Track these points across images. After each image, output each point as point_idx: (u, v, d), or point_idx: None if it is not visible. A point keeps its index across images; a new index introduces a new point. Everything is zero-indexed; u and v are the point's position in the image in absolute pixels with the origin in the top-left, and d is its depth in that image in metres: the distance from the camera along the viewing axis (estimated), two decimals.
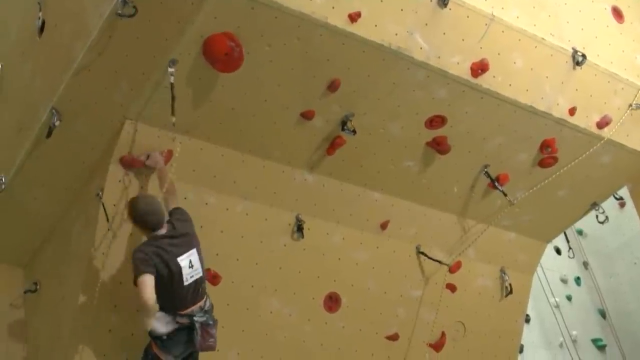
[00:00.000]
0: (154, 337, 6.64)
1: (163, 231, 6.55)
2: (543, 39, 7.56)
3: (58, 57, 7.01)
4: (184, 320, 6.58)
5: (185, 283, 6.53)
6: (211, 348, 6.71)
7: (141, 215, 6.55)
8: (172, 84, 6.44)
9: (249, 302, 7.78)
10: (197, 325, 6.57)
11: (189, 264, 6.54)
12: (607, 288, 14.71)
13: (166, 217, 6.66)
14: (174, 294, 6.53)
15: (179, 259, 6.50)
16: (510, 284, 9.48)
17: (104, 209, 6.88)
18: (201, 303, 6.67)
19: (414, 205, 8.57)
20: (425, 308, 8.91)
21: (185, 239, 6.61)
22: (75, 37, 6.75)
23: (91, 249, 6.99)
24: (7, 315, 8.08)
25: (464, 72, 7.29)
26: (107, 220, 6.86)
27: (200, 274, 6.64)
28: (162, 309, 6.58)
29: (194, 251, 6.61)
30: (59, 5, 7.14)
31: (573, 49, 7.74)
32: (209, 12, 6.22)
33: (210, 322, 6.67)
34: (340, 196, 8.13)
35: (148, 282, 6.34)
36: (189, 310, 6.59)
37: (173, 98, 6.48)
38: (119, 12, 6.16)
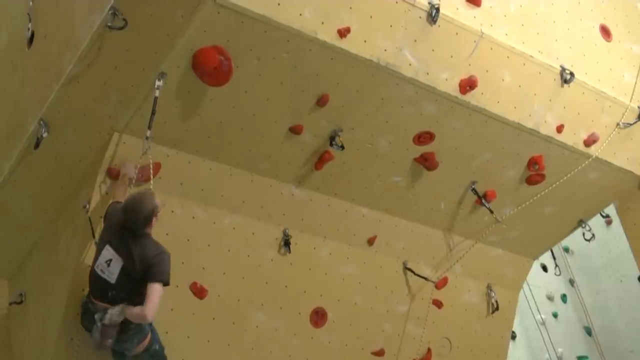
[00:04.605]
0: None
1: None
2: (531, 56, 7.59)
3: (47, 68, 7.00)
4: (91, 308, 6.48)
5: (96, 269, 6.39)
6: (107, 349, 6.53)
7: (123, 208, 6.40)
8: (155, 98, 6.45)
9: (235, 316, 7.74)
10: (98, 322, 6.37)
11: (107, 260, 6.33)
12: (593, 305, 14.69)
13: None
14: (91, 270, 6.49)
15: (107, 246, 6.37)
16: (496, 301, 9.47)
17: (90, 223, 6.86)
18: (108, 308, 6.40)
19: (401, 221, 8.57)
20: (412, 323, 8.89)
21: (127, 248, 6.33)
22: (65, 48, 6.74)
23: (77, 260, 6.95)
24: None
25: (452, 88, 7.31)
26: (93, 235, 6.82)
27: (113, 282, 6.33)
28: None
29: (121, 262, 6.30)
30: (48, 16, 7.13)
31: (561, 66, 7.77)
32: (199, 25, 6.22)
33: (105, 323, 6.36)
34: (328, 211, 8.12)
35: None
36: (95, 301, 6.44)
37: (153, 112, 6.51)
38: (109, 24, 6.16)
